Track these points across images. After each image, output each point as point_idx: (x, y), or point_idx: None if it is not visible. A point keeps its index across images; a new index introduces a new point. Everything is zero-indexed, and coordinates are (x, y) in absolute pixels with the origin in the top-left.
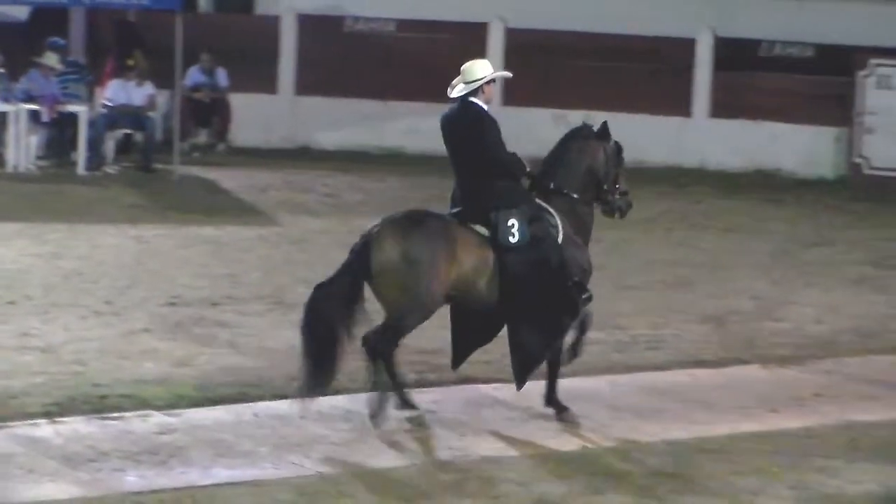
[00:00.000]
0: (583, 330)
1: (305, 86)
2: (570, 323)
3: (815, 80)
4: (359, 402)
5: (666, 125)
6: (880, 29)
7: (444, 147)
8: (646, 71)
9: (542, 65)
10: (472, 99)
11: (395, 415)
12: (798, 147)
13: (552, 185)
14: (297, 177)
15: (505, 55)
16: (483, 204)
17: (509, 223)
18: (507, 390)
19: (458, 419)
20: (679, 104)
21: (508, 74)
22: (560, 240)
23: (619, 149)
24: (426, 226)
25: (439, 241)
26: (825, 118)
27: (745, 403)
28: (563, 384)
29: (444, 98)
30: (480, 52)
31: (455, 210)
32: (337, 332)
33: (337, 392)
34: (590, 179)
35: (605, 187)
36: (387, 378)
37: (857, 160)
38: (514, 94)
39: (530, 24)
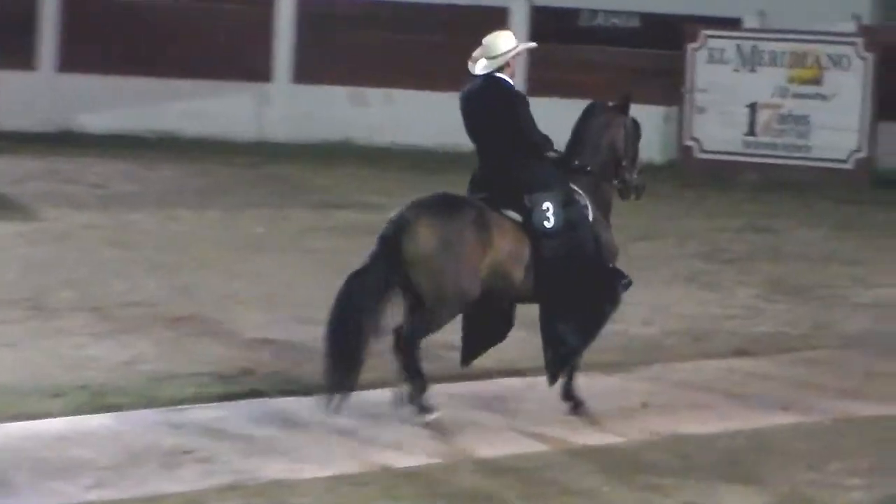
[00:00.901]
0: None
1: (69, 61)
2: (610, 311)
3: (641, 54)
4: (126, 422)
5: None
6: None
7: (465, 126)
8: (453, 44)
9: (337, 38)
10: (499, 74)
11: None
12: None
13: (576, 163)
14: (60, 165)
15: (296, 27)
16: (514, 187)
17: (544, 207)
18: (301, 403)
19: (245, 436)
20: None
21: (534, 45)
22: (591, 221)
23: (636, 125)
24: (460, 210)
25: (475, 226)
26: (652, 96)
27: (568, 416)
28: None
29: (228, 75)
30: (266, 25)
31: (482, 195)
32: (366, 326)
33: (108, 409)
34: (610, 156)
35: (624, 164)
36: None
37: (688, 143)
38: (305, 69)
39: None
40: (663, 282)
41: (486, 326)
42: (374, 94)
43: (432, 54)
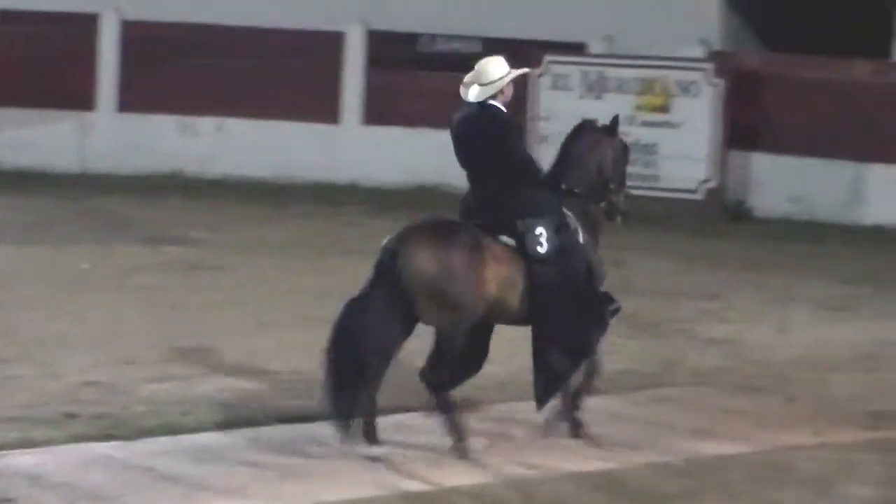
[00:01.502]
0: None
1: None
2: (599, 338)
3: None
4: None
5: (312, 133)
6: (556, 21)
7: (456, 152)
8: (286, 70)
9: (164, 64)
10: (492, 102)
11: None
12: None
13: (564, 186)
14: None
15: (120, 52)
16: (507, 213)
17: (537, 232)
18: (127, 449)
19: (69, 483)
20: (326, 109)
21: (527, 70)
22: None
23: (625, 147)
24: (457, 234)
25: (470, 250)
26: None
27: (411, 458)
28: (195, 441)
29: (49, 103)
30: (90, 49)
31: (475, 220)
32: (365, 353)
33: None
34: (598, 178)
35: (612, 187)
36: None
37: None
38: (130, 97)
39: (150, 15)
40: None
41: (463, 358)
42: (205, 123)
43: (266, 81)
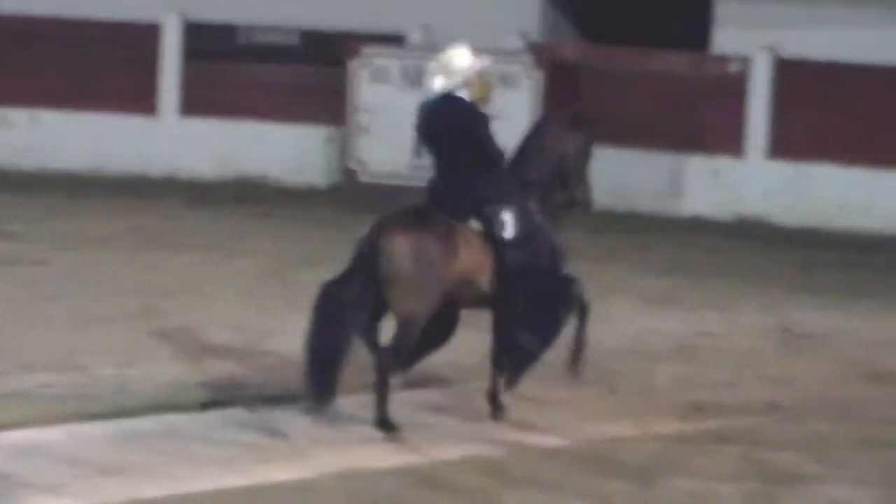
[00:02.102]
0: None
1: None
2: (566, 317)
3: (302, 72)
4: None
5: (128, 125)
6: (375, 12)
7: (423, 141)
8: (102, 61)
9: None
10: (458, 93)
11: None
12: (284, 150)
13: (523, 176)
14: None
15: None
16: (475, 199)
17: (503, 217)
18: None
19: None
20: (143, 100)
21: (489, 62)
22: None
23: (589, 141)
24: (431, 223)
25: (445, 238)
26: (314, 116)
27: (231, 453)
28: (14, 437)
29: None
30: None
31: (444, 207)
32: (344, 336)
33: None
34: (559, 170)
35: (573, 179)
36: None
37: (352, 165)
38: None
39: None
40: None
41: (430, 333)
42: (18, 114)
43: (82, 72)
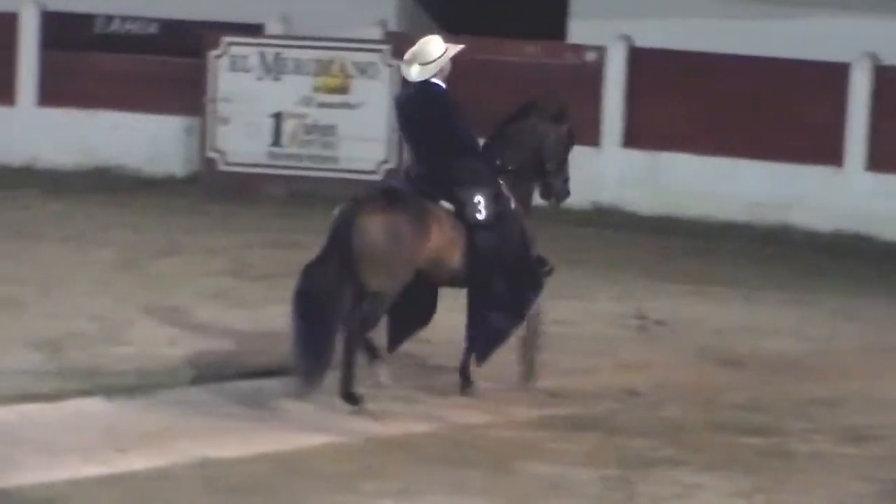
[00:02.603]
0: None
1: None
2: (534, 298)
3: (160, 62)
4: None
5: None
6: (233, 2)
7: (400, 128)
8: None
9: None
10: (433, 80)
11: None
12: (143, 140)
13: (497, 161)
14: None
15: None
16: (449, 182)
17: (475, 200)
18: None
19: None
20: (1, 90)
21: (462, 47)
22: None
23: (571, 134)
24: (404, 203)
25: (416, 217)
26: (173, 106)
27: (88, 443)
28: None
29: None
30: None
31: (417, 188)
32: (331, 313)
33: None
34: (536, 160)
35: (549, 169)
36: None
37: (212, 155)
38: None
39: None
40: (189, 300)
41: (412, 313)
42: None
43: None
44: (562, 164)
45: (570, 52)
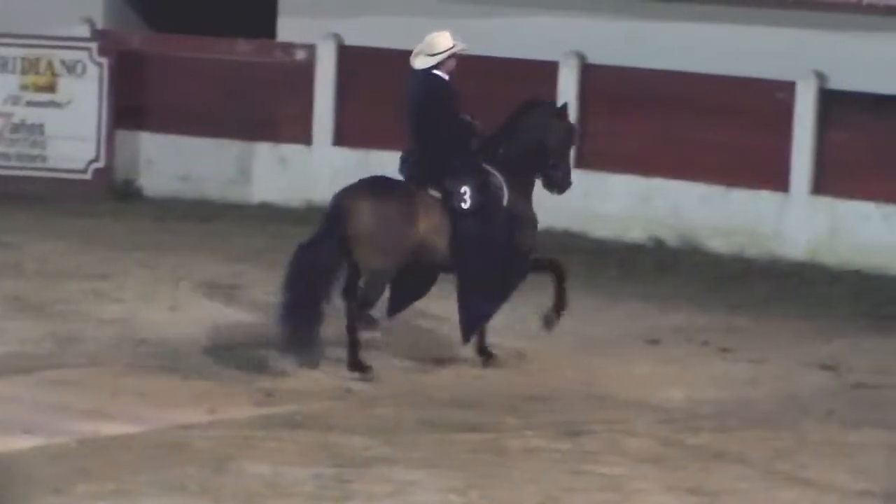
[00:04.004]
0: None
1: None
2: (516, 283)
3: None
4: None
5: None
6: None
7: (406, 113)
8: None
9: None
10: (436, 71)
11: None
12: None
13: (500, 151)
14: None
15: None
16: (437, 171)
17: (461, 191)
18: None
19: None
20: None
21: (467, 47)
22: (506, 203)
23: (572, 130)
24: (396, 191)
25: (406, 204)
26: None
27: None
28: None
29: None
30: None
31: (412, 173)
32: (321, 290)
33: None
34: (538, 153)
35: (551, 162)
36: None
37: None
38: None
39: None
40: None
41: (412, 284)
42: None
43: None
44: (563, 157)
45: (280, 50)
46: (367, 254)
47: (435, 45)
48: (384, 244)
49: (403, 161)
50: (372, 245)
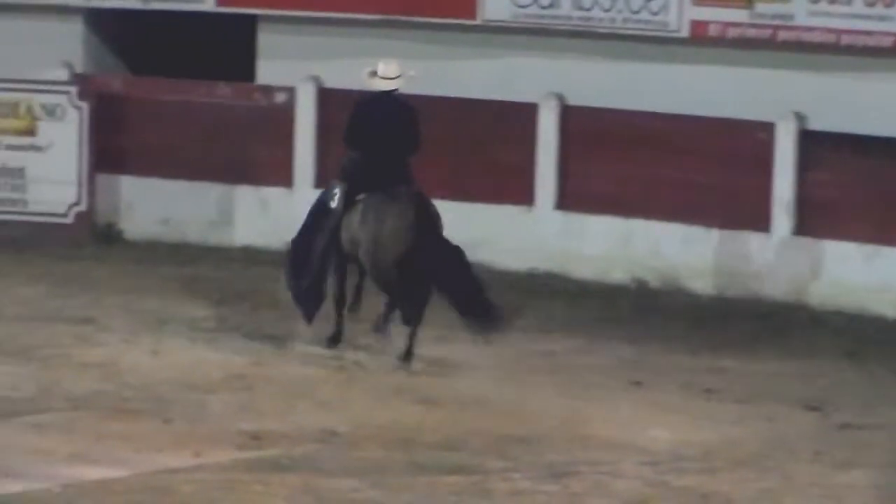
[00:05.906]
0: None
1: None
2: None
3: None
4: None
5: None
6: None
7: (363, 132)
8: None
9: None
10: (396, 93)
11: None
12: None
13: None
14: None
15: None
16: (397, 183)
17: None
18: None
19: None
20: None
21: (413, 72)
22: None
23: None
24: (399, 202)
25: (406, 212)
26: None
27: None
28: None
29: None
30: None
31: (372, 187)
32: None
33: None
34: None
35: None
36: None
37: None
38: None
39: None
40: None
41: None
42: None
43: None
44: None
45: (260, 93)
46: (370, 255)
47: (392, 70)
48: (383, 248)
49: (346, 170)
50: (373, 248)
